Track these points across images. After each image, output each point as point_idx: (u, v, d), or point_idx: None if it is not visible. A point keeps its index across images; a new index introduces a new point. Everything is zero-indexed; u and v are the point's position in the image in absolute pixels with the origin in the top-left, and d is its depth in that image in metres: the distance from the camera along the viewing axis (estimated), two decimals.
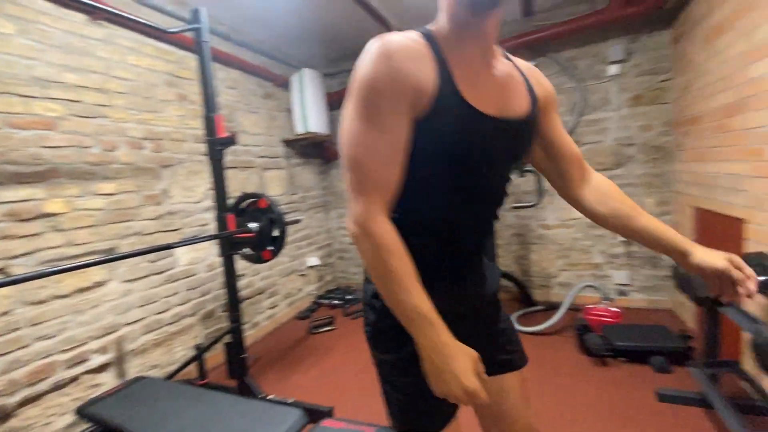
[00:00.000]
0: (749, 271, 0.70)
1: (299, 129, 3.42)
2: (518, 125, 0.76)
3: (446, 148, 0.69)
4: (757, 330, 1.02)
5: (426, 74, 0.65)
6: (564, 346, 2.47)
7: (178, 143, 2.42)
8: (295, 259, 3.53)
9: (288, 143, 3.50)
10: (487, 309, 0.91)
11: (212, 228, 2.58)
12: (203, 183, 2.57)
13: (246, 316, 2.86)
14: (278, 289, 3.28)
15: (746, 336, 1.55)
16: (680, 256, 0.76)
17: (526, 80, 0.80)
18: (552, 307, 2.94)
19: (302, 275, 3.62)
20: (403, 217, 0.73)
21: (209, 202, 2.59)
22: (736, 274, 0.70)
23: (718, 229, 2.11)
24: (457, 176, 0.72)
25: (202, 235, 2.01)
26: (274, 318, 3.22)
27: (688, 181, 2.55)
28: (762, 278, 1.42)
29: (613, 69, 2.88)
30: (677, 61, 2.66)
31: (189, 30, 1.87)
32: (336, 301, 3.54)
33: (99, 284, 1.95)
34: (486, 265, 0.90)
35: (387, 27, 2.87)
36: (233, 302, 2.04)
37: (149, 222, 2.21)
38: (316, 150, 3.92)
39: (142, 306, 2.15)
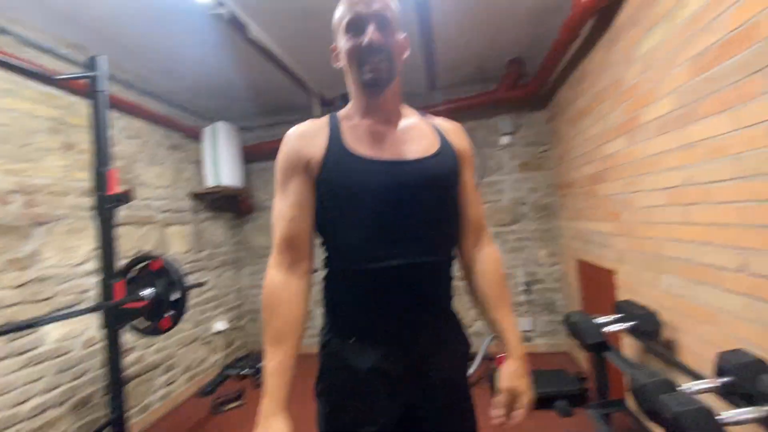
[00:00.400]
0: (517, 405, 0.86)
1: (210, 182, 3.24)
2: (418, 165, 0.82)
3: (341, 188, 0.80)
4: (633, 374, 1.16)
5: (316, 144, 0.83)
6: (482, 396, 2.53)
7: (58, 197, 2.10)
8: (199, 324, 3.16)
9: (196, 196, 3.28)
10: (437, 375, 0.85)
11: (94, 296, 2.21)
12: (87, 243, 2.23)
13: (134, 399, 2.42)
14: (176, 362, 2.87)
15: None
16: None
17: (438, 131, 0.90)
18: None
19: (206, 343, 3.24)
20: (330, 270, 0.87)
21: (93, 265, 2.24)
22: (504, 400, 0.86)
23: (596, 278, 2.45)
24: (362, 220, 0.79)
25: (80, 308, 1.70)
26: (170, 397, 2.77)
27: (570, 236, 2.96)
28: (629, 324, 1.66)
29: (505, 139, 3.33)
30: (553, 136, 3.19)
31: (83, 77, 1.71)
32: (246, 370, 3.20)
33: None
34: (447, 327, 0.90)
35: (303, 87, 2.97)
36: (116, 385, 1.72)
37: (8, 291, 1.82)
38: (228, 203, 3.72)
39: None
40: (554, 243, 3.29)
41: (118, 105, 2.47)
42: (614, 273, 2.15)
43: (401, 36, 0.87)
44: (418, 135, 0.87)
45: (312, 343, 3.40)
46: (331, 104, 3.36)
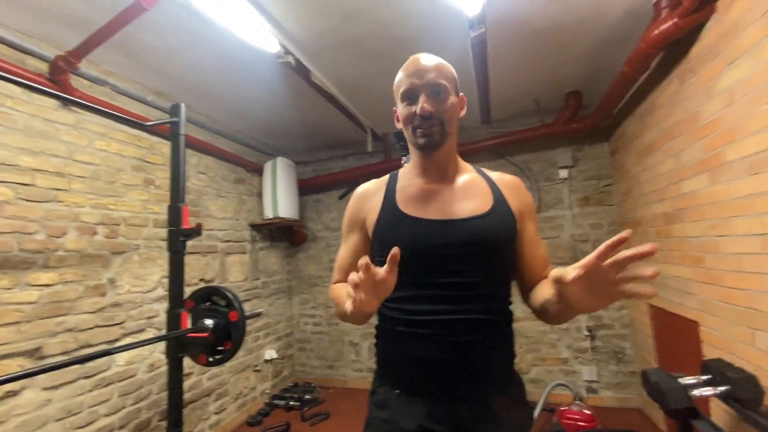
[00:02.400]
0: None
1: (268, 213, 3.39)
2: (467, 224, 0.84)
3: (390, 246, 0.78)
4: None
5: (373, 203, 0.93)
6: None
7: (136, 228, 2.29)
8: (251, 352, 3.23)
9: (255, 227, 3.44)
10: None
11: (160, 320, 2.35)
12: (158, 271, 2.39)
13: (187, 425, 2.49)
14: (228, 389, 2.93)
15: None
16: (558, 282, 0.64)
17: (493, 188, 0.91)
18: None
19: (257, 371, 3.29)
20: (381, 320, 0.92)
21: (161, 291, 2.39)
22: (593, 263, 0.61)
23: (674, 328, 2.19)
24: (409, 277, 0.81)
25: (149, 338, 1.80)
26: (221, 425, 2.82)
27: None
28: (722, 388, 1.44)
29: (563, 173, 3.19)
30: (616, 170, 3.00)
31: (166, 123, 1.89)
32: (293, 402, 3.19)
33: (11, 394, 1.65)
34: (500, 390, 0.84)
35: (359, 124, 3.07)
36: (176, 410, 1.77)
37: (87, 316, 1.98)
38: (283, 234, 3.86)
39: (60, 419, 1.82)
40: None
41: (191, 144, 2.70)
42: (698, 324, 1.91)
43: (455, 99, 0.89)
44: (472, 193, 0.90)
45: (358, 377, 3.33)
46: (381, 140, 3.44)
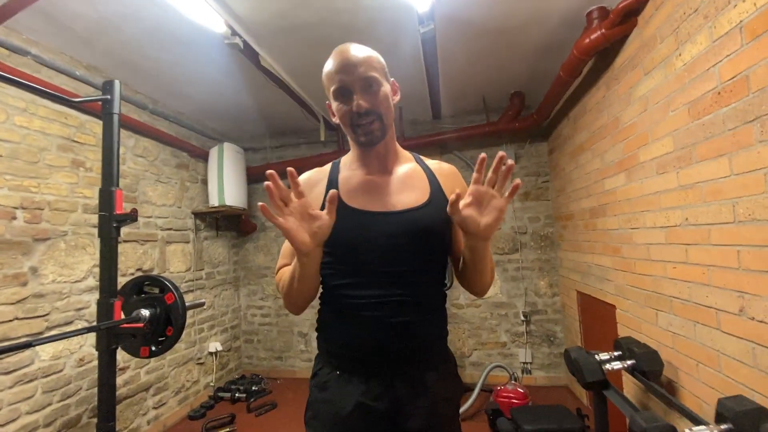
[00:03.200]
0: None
1: (214, 201, 3.26)
2: (407, 215, 0.87)
3: (333, 238, 0.82)
4: (633, 418, 1.14)
5: (315, 194, 0.93)
6: (479, 431, 2.47)
7: (63, 213, 2.11)
8: (194, 345, 3.12)
9: (199, 215, 3.30)
10: (415, 423, 0.85)
11: (91, 312, 2.20)
12: (87, 260, 2.23)
13: (122, 421, 2.36)
14: (168, 383, 2.81)
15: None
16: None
17: (431, 178, 0.94)
18: (467, 389, 2.97)
19: (200, 363, 3.18)
20: (322, 305, 0.95)
21: (92, 281, 2.23)
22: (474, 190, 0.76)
23: (597, 312, 2.43)
24: (350, 260, 0.87)
25: (77, 329, 1.69)
26: (160, 420, 2.71)
27: (569, 267, 2.95)
28: (630, 362, 1.64)
29: None
30: (553, 168, 3.23)
31: (98, 100, 1.76)
32: (239, 394, 3.13)
33: None
34: (434, 369, 0.89)
35: (312, 112, 3.04)
36: (108, 406, 1.68)
37: (4, 307, 1.81)
38: (230, 223, 3.74)
39: None
40: (554, 273, 3.29)
41: (128, 125, 2.52)
42: (614, 307, 2.14)
43: (387, 87, 0.90)
44: (411, 184, 0.93)
45: (307, 367, 3.35)
46: (335, 129, 3.43)
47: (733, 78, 1.17)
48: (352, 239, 0.86)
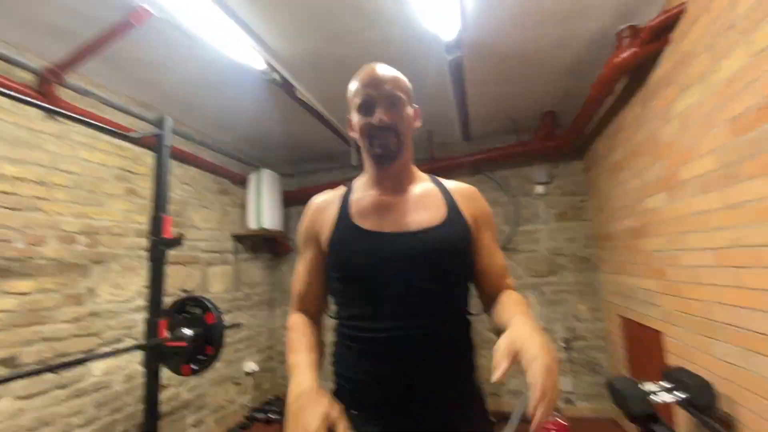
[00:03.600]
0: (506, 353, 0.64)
1: (252, 225, 3.42)
2: (422, 236, 0.82)
3: (343, 262, 0.84)
4: None
5: (327, 217, 0.91)
6: None
7: (117, 238, 2.30)
8: (231, 364, 3.21)
9: (238, 238, 3.45)
10: None
11: (139, 331, 2.33)
12: (137, 280, 2.39)
13: None
14: (207, 402, 2.90)
15: None
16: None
17: (448, 198, 0.89)
18: (504, 418, 2.84)
19: (237, 383, 3.26)
20: (337, 338, 0.90)
21: (140, 302, 2.38)
22: (500, 355, 0.64)
23: (643, 338, 2.28)
24: (361, 285, 0.83)
25: (126, 345, 1.80)
26: None
27: (611, 290, 2.81)
28: (681, 395, 1.53)
29: (540, 189, 3.31)
30: (590, 187, 3.13)
31: (152, 135, 1.94)
32: (273, 416, 3.16)
33: None
34: (460, 404, 0.81)
35: (343, 138, 3.15)
36: (152, 420, 1.76)
37: (64, 325, 1.97)
38: (266, 245, 3.88)
39: (33, 429, 1.79)
40: (595, 297, 3.13)
41: (176, 155, 2.73)
42: (662, 334, 2.01)
43: (411, 110, 0.90)
44: (427, 204, 0.88)
45: None
46: None
47: None
48: (362, 263, 0.82)
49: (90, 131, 2.19)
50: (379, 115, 0.83)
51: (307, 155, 3.82)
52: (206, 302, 1.89)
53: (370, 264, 0.81)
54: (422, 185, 0.92)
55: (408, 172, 0.93)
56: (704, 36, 1.47)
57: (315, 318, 0.94)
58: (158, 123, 1.94)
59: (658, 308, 2.02)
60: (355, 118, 0.88)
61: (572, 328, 3.14)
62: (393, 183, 0.90)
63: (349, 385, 0.84)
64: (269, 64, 2.05)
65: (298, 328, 0.90)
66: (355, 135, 0.91)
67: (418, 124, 0.94)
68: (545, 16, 1.85)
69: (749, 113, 1.24)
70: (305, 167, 4.01)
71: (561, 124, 3.08)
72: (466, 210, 0.88)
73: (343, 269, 0.85)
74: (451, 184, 0.94)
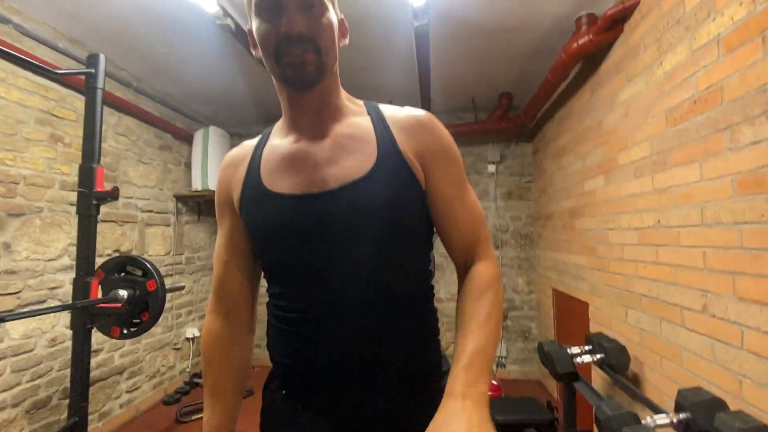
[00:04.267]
0: None
1: (197, 185, 3.21)
2: (337, 194, 0.62)
3: (253, 234, 0.69)
4: (599, 406, 1.20)
5: (238, 176, 0.72)
6: None
7: (38, 189, 2.05)
8: (171, 330, 3.08)
9: (181, 199, 3.24)
10: None
11: (65, 292, 2.14)
12: (64, 238, 2.17)
13: (93, 404, 2.32)
14: (143, 367, 2.77)
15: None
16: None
17: (384, 132, 0.66)
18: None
19: (176, 348, 3.15)
20: (267, 317, 0.74)
21: (67, 260, 2.18)
22: None
23: (571, 309, 2.52)
24: (274, 261, 0.69)
25: (52, 306, 1.65)
26: (133, 404, 2.67)
27: (547, 266, 3.04)
28: (599, 356, 1.72)
29: (491, 168, 3.44)
30: (536, 168, 3.31)
31: (81, 74, 1.71)
32: None
33: None
34: (401, 394, 0.65)
35: None
36: (81, 388, 1.65)
37: None
38: (212, 207, 3.67)
39: None
40: (533, 271, 3.38)
41: (111, 102, 2.45)
42: (588, 305, 2.22)
43: (335, 19, 0.66)
44: (353, 147, 0.65)
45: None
46: None
47: (708, 88, 1.24)
48: (270, 235, 0.66)
49: (5, 65, 1.89)
50: (289, 20, 0.59)
51: (261, 116, 3.62)
52: (148, 265, 1.77)
53: (279, 236, 0.65)
54: (352, 121, 0.69)
55: (332, 104, 0.69)
56: (653, 29, 1.56)
57: (238, 315, 0.75)
58: (90, 61, 1.72)
59: (587, 281, 2.23)
60: (255, 24, 0.63)
61: (510, 299, 3.38)
62: (311, 122, 0.68)
63: (277, 364, 0.72)
64: (222, 7, 1.88)
65: (211, 357, 0.74)
66: (257, 53, 0.66)
67: (345, 41, 0.71)
68: None
69: (683, 106, 1.36)
70: (258, 129, 3.80)
71: (516, 105, 3.19)
72: (409, 148, 0.65)
73: (254, 242, 0.70)
74: (391, 112, 0.69)
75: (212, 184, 3.20)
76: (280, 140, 0.71)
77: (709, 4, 1.23)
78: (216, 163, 3.25)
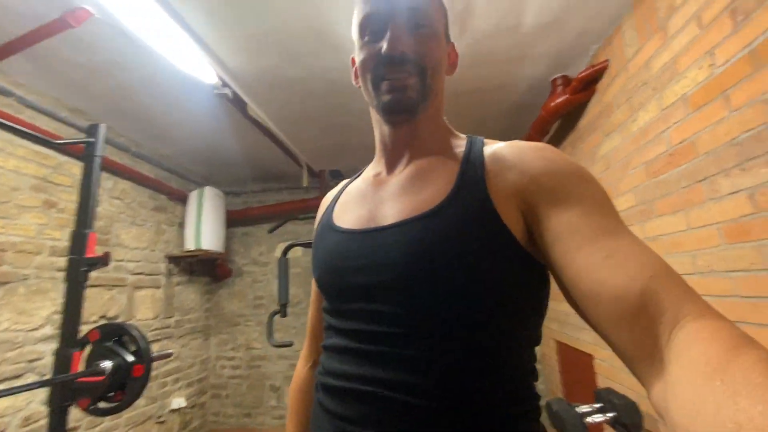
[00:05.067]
0: None
1: (190, 245, 3.19)
2: (393, 232, 0.50)
3: (314, 267, 0.61)
4: None
5: (320, 215, 0.68)
6: None
7: (26, 256, 2.01)
8: (155, 401, 2.88)
9: (173, 259, 3.19)
10: None
11: (44, 365, 2.03)
12: (48, 305, 2.10)
13: None
14: None
15: None
16: None
17: (471, 164, 0.52)
18: None
19: (160, 422, 2.92)
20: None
21: (49, 330, 2.08)
22: None
23: (576, 362, 2.43)
24: (327, 311, 0.58)
25: (29, 383, 1.55)
26: None
27: (549, 317, 2.95)
28: (610, 414, 1.63)
29: None
30: None
31: (82, 143, 1.76)
32: None
33: None
34: None
35: (295, 159, 3.11)
36: None
37: None
38: (204, 267, 3.62)
39: None
40: None
41: (108, 167, 2.50)
42: (592, 357, 2.15)
43: (444, 44, 0.58)
44: (429, 179, 0.54)
45: (278, 425, 3.08)
46: (317, 176, 3.49)
47: (681, 142, 1.31)
48: (323, 278, 0.58)
49: (5, 135, 1.94)
50: (393, 40, 0.52)
51: (255, 174, 3.70)
52: (139, 343, 1.66)
53: (326, 277, 0.57)
54: (442, 154, 0.57)
55: (427, 139, 0.59)
56: (623, 90, 1.68)
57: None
58: (90, 130, 1.77)
59: (589, 332, 2.18)
60: (357, 48, 0.57)
61: None
62: (398, 155, 0.59)
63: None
64: (221, 79, 1.99)
65: (293, 401, 0.72)
66: (357, 83, 0.60)
67: (453, 71, 0.62)
68: (491, 60, 2.01)
69: (660, 159, 1.43)
70: (252, 187, 3.88)
71: None
72: (501, 180, 0.49)
73: (318, 284, 0.61)
74: (495, 145, 0.55)
75: (206, 244, 3.18)
76: (364, 175, 0.65)
77: (672, 68, 1.33)
78: (210, 222, 3.25)
